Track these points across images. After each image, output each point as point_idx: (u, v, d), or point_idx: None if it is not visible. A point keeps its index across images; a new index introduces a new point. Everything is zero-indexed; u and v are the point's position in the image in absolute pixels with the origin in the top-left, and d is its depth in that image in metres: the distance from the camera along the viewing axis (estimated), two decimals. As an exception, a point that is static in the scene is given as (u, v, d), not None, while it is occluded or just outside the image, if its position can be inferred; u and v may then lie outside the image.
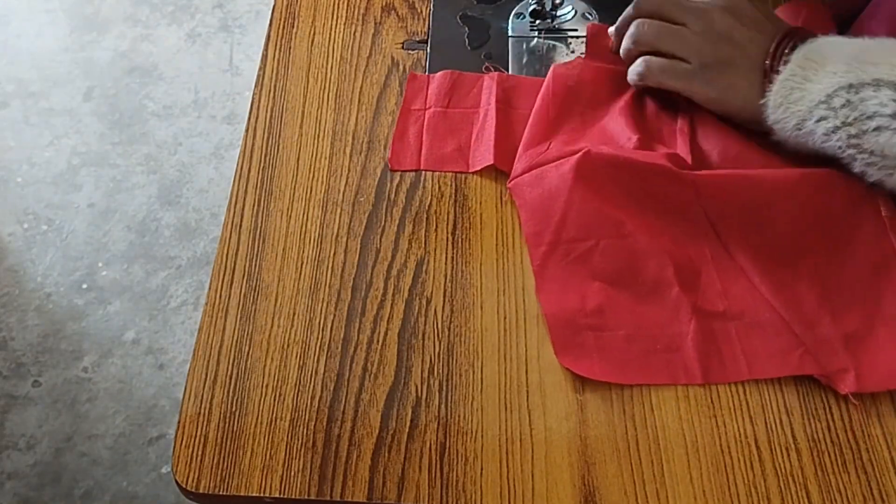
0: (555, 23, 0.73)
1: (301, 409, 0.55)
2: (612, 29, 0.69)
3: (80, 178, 1.70)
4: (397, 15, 0.76)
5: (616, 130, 0.65)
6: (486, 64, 0.72)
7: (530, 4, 0.73)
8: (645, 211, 0.61)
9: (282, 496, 0.52)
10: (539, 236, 0.60)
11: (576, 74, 0.68)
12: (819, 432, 0.54)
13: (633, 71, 0.66)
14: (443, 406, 0.55)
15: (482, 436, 0.54)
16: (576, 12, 0.73)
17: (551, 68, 0.69)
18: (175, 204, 1.67)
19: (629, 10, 0.67)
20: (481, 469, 0.53)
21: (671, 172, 0.60)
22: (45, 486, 1.35)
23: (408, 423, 0.55)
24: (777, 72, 0.60)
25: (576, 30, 0.74)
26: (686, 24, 0.64)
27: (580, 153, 0.61)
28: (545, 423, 0.54)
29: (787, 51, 0.61)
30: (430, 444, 0.54)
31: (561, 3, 0.73)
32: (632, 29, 0.67)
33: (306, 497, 0.52)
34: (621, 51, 0.67)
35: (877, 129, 0.55)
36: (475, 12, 0.76)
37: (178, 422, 0.55)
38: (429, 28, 0.75)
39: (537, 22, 0.74)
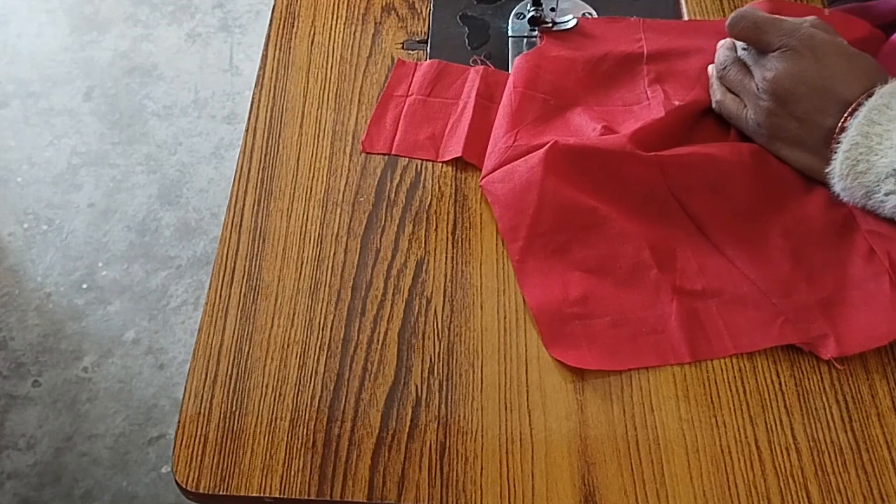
0: (555, 28, 0.73)
1: (301, 408, 0.55)
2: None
3: (80, 178, 1.70)
4: (397, 15, 0.76)
5: (581, 123, 0.66)
6: (475, 57, 0.72)
7: (529, 11, 0.73)
8: (616, 196, 0.61)
9: (282, 496, 0.52)
10: (515, 231, 0.61)
11: (535, 64, 0.69)
12: (819, 432, 0.54)
13: (713, 98, 0.66)
14: (443, 406, 0.55)
15: (482, 435, 0.54)
16: (577, 22, 0.73)
17: (514, 60, 0.70)
18: (175, 204, 1.66)
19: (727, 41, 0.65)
20: (481, 469, 0.53)
21: (636, 156, 0.61)
22: (45, 486, 1.35)
23: (408, 423, 0.55)
24: (839, 142, 0.57)
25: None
26: (754, 78, 0.62)
27: (547, 145, 0.61)
28: (545, 423, 0.54)
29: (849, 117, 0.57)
30: (430, 444, 0.54)
31: (558, 6, 0.73)
32: (723, 60, 0.65)
33: (306, 497, 0.52)
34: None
35: None
36: (475, 12, 0.76)
37: (178, 422, 0.55)
38: (429, 28, 0.75)
39: (535, 30, 0.74)
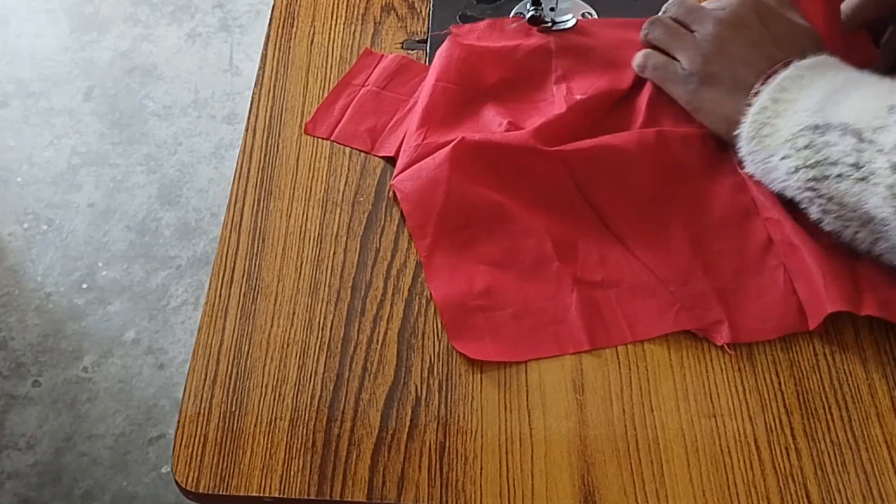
0: (554, 28, 0.73)
1: (301, 408, 0.55)
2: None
3: (80, 178, 1.70)
4: (397, 15, 0.76)
5: (488, 118, 0.66)
6: None
7: (529, 11, 0.73)
8: (521, 191, 0.62)
9: (281, 496, 0.52)
10: (423, 228, 0.61)
11: (449, 54, 0.69)
12: (819, 432, 0.54)
13: (635, 62, 0.68)
14: (442, 406, 0.55)
15: (482, 435, 0.54)
16: (576, 22, 0.73)
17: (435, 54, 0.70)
18: (175, 204, 1.67)
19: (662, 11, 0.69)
20: (481, 469, 0.53)
21: (540, 151, 0.62)
22: (45, 486, 1.35)
23: (407, 423, 0.55)
24: (750, 104, 0.59)
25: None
26: (694, 31, 0.64)
27: (454, 142, 0.62)
28: (545, 423, 0.54)
29: (770, 78, 0.59)
30: (430, 444, 0.54)
31: (558, 6, 0.73)
32: (647, 25, 0.68)
33: (306, 497, 0.52)
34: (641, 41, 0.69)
35: (839, 176, 0.54)
36: (475, 12, 0.76)
37: (178, 421, 0.55)
38: (428, 28, 0.75)
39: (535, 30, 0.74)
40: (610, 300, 0.59)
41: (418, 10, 0.76)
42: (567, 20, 0.73)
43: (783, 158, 0.57)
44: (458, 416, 0.55)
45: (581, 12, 0.75)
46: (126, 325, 1.51)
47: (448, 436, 0.54)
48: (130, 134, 1.77)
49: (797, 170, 0.56)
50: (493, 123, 0.66)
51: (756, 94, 0.59)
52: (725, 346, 0.57)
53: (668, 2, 0.68)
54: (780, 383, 0.56)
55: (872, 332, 0.58)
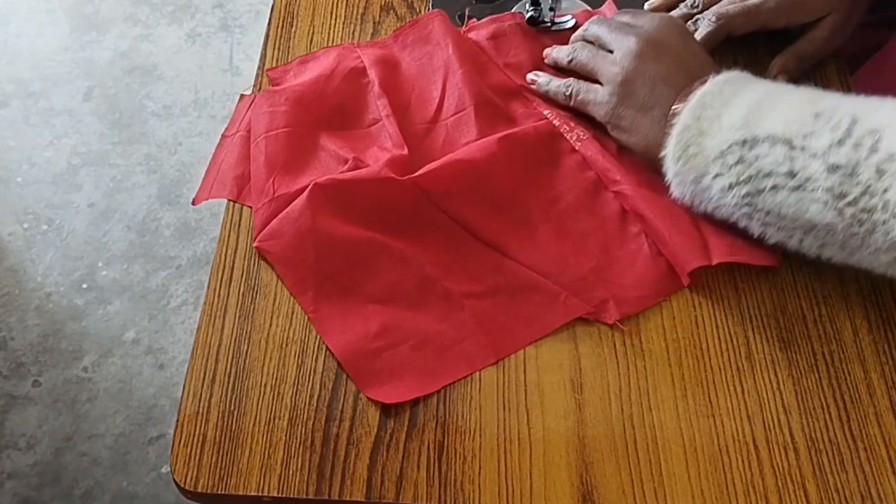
0: (553, 28, 0.73)
1: (299, 408, 0.55)
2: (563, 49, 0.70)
3: (80, 178, 1.70)
4: (396, 15, 0.76)
5: (329, 157, 0.65)
6: None
7: (528, 10, 0.73)
8: (386, 222, 0.61)
9: (280, 495, 0.52)
10: (303, 283, 0.60)
11: (270, 103, 0.67)
12: (817, 431, 0.54)
13: (559, 90, 0.67)
14: (441, 405, 0.55)
15: (480, 435, 0.54)
16: (576, 22, 0.73)
17: (249, 114, 0.68)
18: (175, 204, 1.67)
19: (577, 33, 0.69)
20: (479, 468, 0.53)
21: (394, 181, 0.61)
22: (45, 486, 1.35)
23: (406, 422, 0.55)
24: (672, 124, 0.58)
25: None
26: (613, 51, 0.64)
27: (307, 189, 0.61)
28: (543, 422, 0.54)
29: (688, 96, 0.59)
30: (429, 443, 0.54)
31: (557, 6, 0.73)
32: (568, 49, 0.68)
33: (304, 496, 0.52)
34: (551, 61, 0.70)
35: (773, 187, 0.54)
36: (474, 12, 0.76)
37: (177, 421, 0.55)
38: (428, 28, 0.75)
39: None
40: (501, 306, 0.59)
41: (418, 10, 0.76)
42: (566, 20, 0.73)
43: (715, 177, 0.56)
44: (457, 415, 0.55)
45: (580, 12, 0.75)
46: (126, 325, 1.51)
47: (447, 435, 0.54)
48: (130, 134, 1.77)
49: (731, 187, 0.56)
50: (336, 159, 0.64)
51: (676, 113, 0.58)
52: (618, 323, 0.58)
53: (588, 21, 0.68)
54: (778, 383, 0.56)
55: (871, 331, 0.58)
